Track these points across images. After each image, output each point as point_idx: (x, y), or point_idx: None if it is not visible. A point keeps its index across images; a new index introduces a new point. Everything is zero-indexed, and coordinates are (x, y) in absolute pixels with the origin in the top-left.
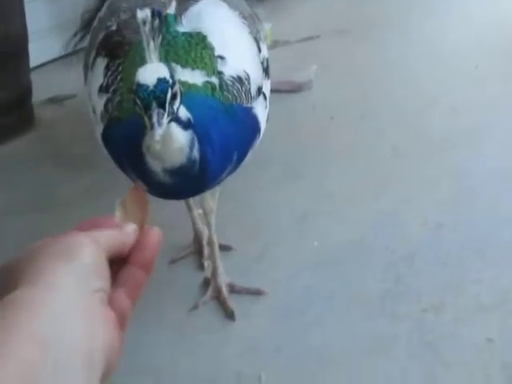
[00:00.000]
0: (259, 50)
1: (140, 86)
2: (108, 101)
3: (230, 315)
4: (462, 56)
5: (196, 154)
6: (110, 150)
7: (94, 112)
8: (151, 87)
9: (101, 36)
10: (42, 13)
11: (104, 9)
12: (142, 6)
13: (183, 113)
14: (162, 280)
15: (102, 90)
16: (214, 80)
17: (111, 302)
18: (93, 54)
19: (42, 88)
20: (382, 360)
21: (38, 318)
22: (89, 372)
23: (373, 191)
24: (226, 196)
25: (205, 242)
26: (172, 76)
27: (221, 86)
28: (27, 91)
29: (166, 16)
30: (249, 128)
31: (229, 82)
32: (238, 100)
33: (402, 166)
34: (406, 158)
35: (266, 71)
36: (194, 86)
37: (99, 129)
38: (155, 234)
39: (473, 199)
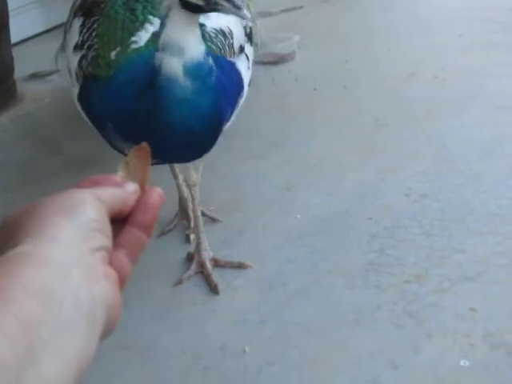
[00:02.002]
0: None
1: None
2: (82, 57)
3: (213, 289)
4: (446, 24)
5: (211, 63)
6: (88, 112)
7: (71, 74)
8: None
9: (78, 0)
10: None
11: None
12: None
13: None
14: (148, 253)
15: (77, 47)
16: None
17: (111, 261)
18: (70, 18)
19: (24, 63)
20: (366, 331)
21: (41, 273)
22: (90, 328)
23: (356, 162)
24: (209, 168)
25: (190, 211)
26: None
27: (203, 35)
28: (9, 67)
29: None
30: (234, 81)
31: (212, 34)
32: (222, 52)
33: (385, 137)
34: (388, 128)
35: (249, 37)
36: None
37: (76, 91)
38: (157, 194)
39: (455, 169)
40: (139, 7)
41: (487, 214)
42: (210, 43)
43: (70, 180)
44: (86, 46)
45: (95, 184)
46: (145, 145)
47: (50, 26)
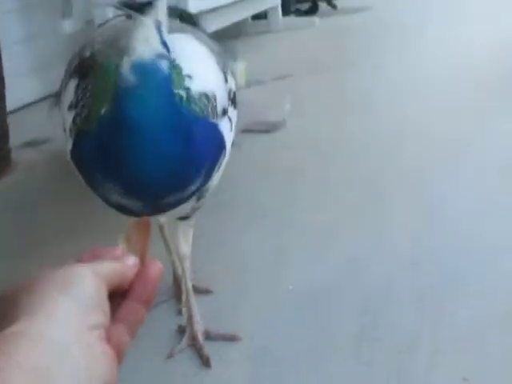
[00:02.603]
0: (226, 80)
1: None
2: (76, 115)
3: (205, 362)
4: (435, 86)
5: (165, 72)
6: (80, 165)
7: (65, 132)
8: None
9: (75, 63)
10: (19, 56)
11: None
12: (114, 41)
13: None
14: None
15: (72, 106)
16: (182, 92)
17: (109, 337)
18: (66, 79)
19: (19, 131)
20: None
21: (38, 352)
22: None
23: (347, 228)
24: (199, 238)
25: (182, 285)
26: None
27: (188, 98)
28: (4, 135)
29: None
30: (215, 142)
31: (196, 97)
32: (205, 113)
33: (376, 201)
34: (379, 192)
35: (233, 101)
36: None
37: (69, 146)
38: (157, 268)
39: (446, 233)
40: None
41: (479, 280)
42: (193, 105)
43: (64, 248)
44: (80, 105)
45: (95, 257)
46: (146, 218)
47: (45, 94)
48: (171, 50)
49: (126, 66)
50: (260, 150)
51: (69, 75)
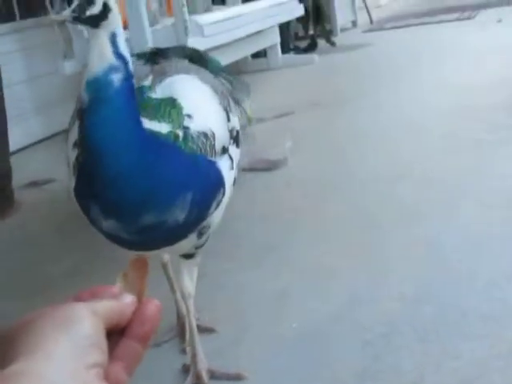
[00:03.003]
0: (228, 119)
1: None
2: (79, 154)
3: None
4: (433, 124)
5: (116, 84)
6: (82, 202)
7: (69, 168)
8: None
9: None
10: (21, 96)
11: None
12: None
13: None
14: (142, 364)
15: (76, 145)
16: (179, 132)
17: (107, 375)
18: (73, 118)
19: (22, 171)
20: None
21: None
22: None
23: (349, 266)
24: (204, 277)
25: (186, 324)
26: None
27: (186, 137)
28: (7, 176)
29: (141, 87)
30: (212, 179)
31: (194, 135)
32: (203, 151)
33: (376, 238)
34: (379, 229)
35: (235, 140)
36: (157, 132)
37: (72, 183)
38: (155, 306)
39: (446, 270)
40: None
41: (480, 316)
42: (191, 143)
43: (66, 290)
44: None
45: (94, 295)
46: (143, 257)
47: (47, 134)
48: (129, 60)
49: (82, 86)
50: (261, 188)
51: (75, 114)
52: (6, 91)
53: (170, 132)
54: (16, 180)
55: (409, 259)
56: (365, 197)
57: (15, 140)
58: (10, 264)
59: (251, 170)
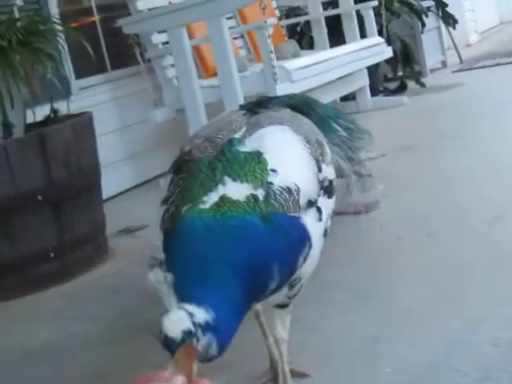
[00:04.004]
0: (319, 169)
1: (167, 338)
2: (166, 211)
3: None
4: None
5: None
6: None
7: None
8: (178, 340)
9: (176, 157)
10: (113, 145)
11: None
12: (213, 135)
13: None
14: None
15: (164, 202)
16: (260, 192)
17: None
18: (167, 173)
19: (114, 218)
20: None
21: None
22: None
23: (443, 311)
24: (296, 322)
25: (279, 369)
26: (194, 323)
27: (268, 195)
28: (101, 224)
29: (232, 140)
30: (294, 236)
31: (277, 192)
32: (285, 208)
33: (472, 283)
34: (476, 274)
35: (327, 190)
36: (234, 203)
37: (159, 242)
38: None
39: None
40: (219, 166)
41: None
42: (273, 201)
43: None
44: (170, 201)
45: (146, 380)
46: (191, 344)
47: (139, 181)
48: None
49: None
50: (353, 231)
51: (169, 169)
52: (98, 140)
53: (250, 196)
54: (109, 227)
55: (505, 303)
56: (459, 240)
57: (107, 188)
58: (104, 311)
59: (342, 213)
